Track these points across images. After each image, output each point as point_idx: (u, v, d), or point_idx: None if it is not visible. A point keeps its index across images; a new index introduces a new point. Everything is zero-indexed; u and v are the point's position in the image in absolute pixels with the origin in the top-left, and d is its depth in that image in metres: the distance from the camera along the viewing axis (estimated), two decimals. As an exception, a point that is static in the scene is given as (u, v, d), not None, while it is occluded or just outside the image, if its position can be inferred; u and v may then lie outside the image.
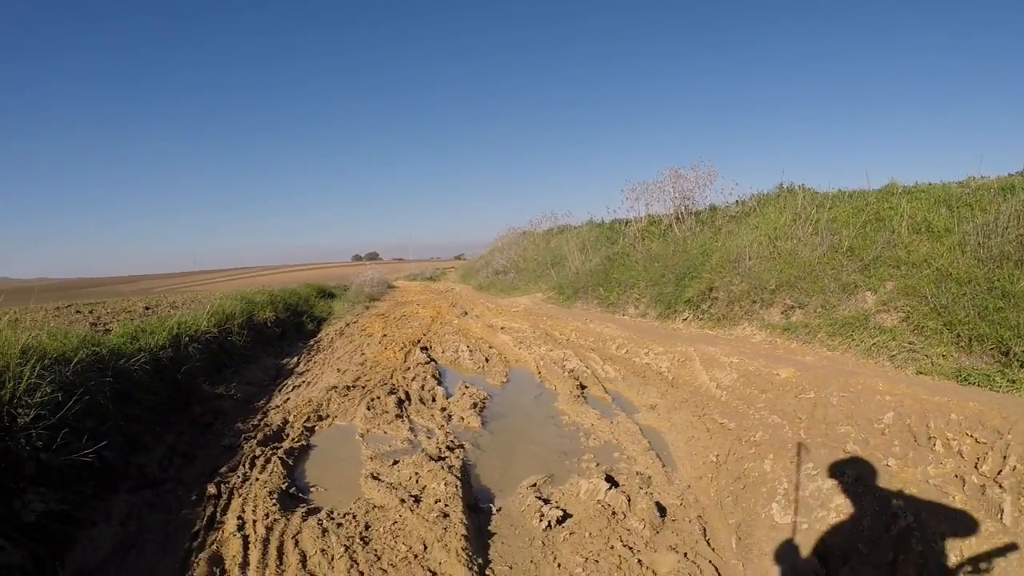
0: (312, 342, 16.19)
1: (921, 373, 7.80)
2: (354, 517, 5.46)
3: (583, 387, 10.11)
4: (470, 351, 13.39)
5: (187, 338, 10.36)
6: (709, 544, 5.15)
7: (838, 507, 5.19)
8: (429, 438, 7.78)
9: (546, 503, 5.68)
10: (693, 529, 5.35)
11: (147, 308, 15.72)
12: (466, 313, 20.12)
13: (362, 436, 8.02)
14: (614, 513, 5.48)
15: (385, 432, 8.15)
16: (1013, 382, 6.70)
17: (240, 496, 5.92)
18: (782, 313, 11.26)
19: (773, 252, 12.54)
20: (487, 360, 12.70)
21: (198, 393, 9.23)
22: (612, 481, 6.19)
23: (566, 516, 5.46)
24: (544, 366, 11.80)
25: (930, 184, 12.19)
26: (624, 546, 4.97)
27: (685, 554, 4.87)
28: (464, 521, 5.21)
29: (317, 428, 8.46)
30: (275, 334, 15.57)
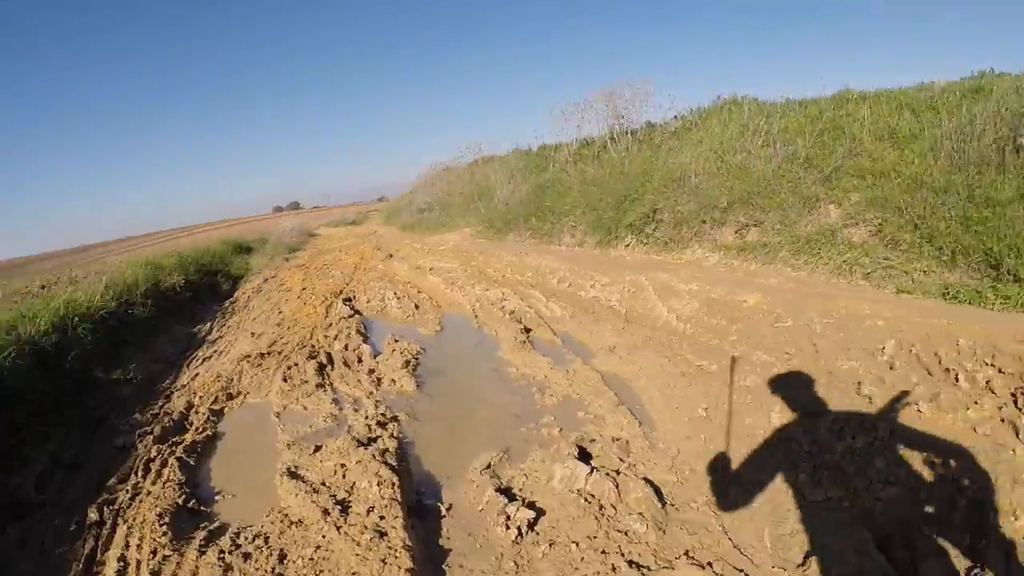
0: (227, 303, 14.53)
1: (903, 292, 7.01)
2: (266, 542, 4.13)
3: (528, 330, 8.82)
4: (398, 298, 11.88)
5: (76, 319, 8.80)
6: (737, 547, 3.87)
7: (888, 477, 4.08)
8: (356, 410, 6.47)
9: (510, 499, 4.42)
10: (708, 522, 4.13)
11: (43, 287, 13.69)
12: (391, 256, 18.29)
13: (278, 415, 6.68)
14: (602, 508, 4.23)
15: (305, 408, 6.80)
16: (1007, 298, 5.97)
17: (126, 522, 4.57)
18: (736, 232, 10.20)
19: (721, 167, 11.42)
20: (417, 307, 11.23)
21: (91, 382, 7.72)
22: (584, 454, 5.03)
23: (538, 516, 4.22)
24: (481, 308, 10.43)
25: (887, 89, 11.18)
26: (630, 564, 3.71)
27: (716, 571, 3.67)
28: (407, 542, 3.90)
29: (227, 410, 7.07)
30: (186, 299, 13.86)
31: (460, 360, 8.27)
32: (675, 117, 15.43)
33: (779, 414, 5.04)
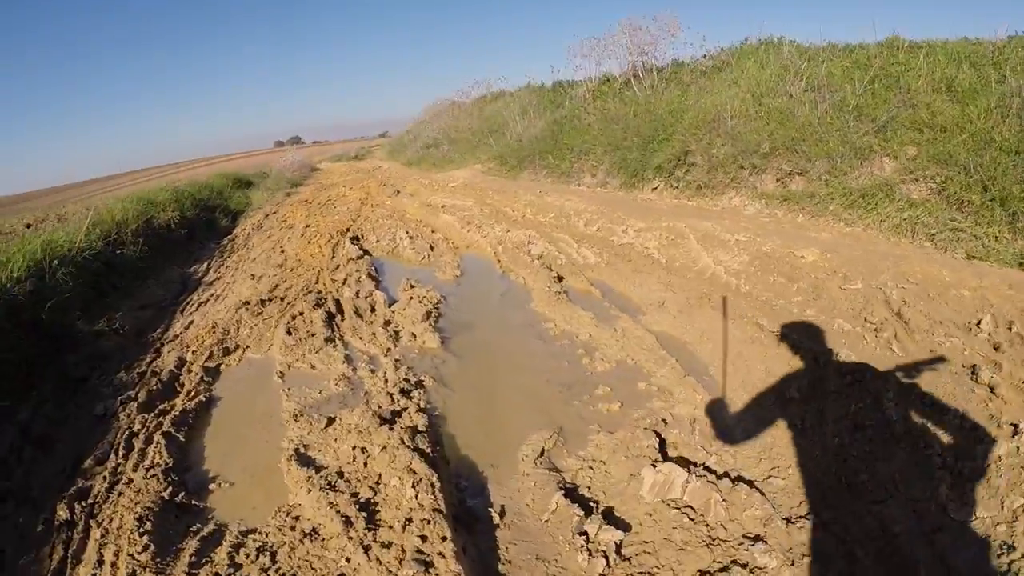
0: (225, 241, 12.94)
1: (973, 257, 6.17)
2: (273, 560, 3.11)
3: (560, 278, 7.77)
4: (410, 238, 10.63)
5: (55, 262, 7.64)
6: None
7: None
8: (373, 372, 5.44)
9: (582, 507, 3.42)
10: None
11: (29, 226, 12.27)
12: (399, 192, 16.76)
13: (282, 376, 5.61)
14: (709, 528, 3.22)
15: (313, 367, 5.73)
16: None
17: (100, 525, 3.54)
18: (778, 181, 9.20)
19: (760, 111, 10.30)
20: (432, 248, 10.07)
21: (71, 335, 6.59)
22: (660, 440, 4.06)
23: (626, 532, 3.23)
24: (504, 252, 9.26)
25: (942, 40, 9.98)
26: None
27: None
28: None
29: (223, 368, 5.96)
30: (181, 237, 12.60)
31: (487, 312, 7.17)
32: (704, 56, 14.12)
33: (894, 403, 4.06)
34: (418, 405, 4.73)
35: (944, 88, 8.39)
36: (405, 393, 4.94)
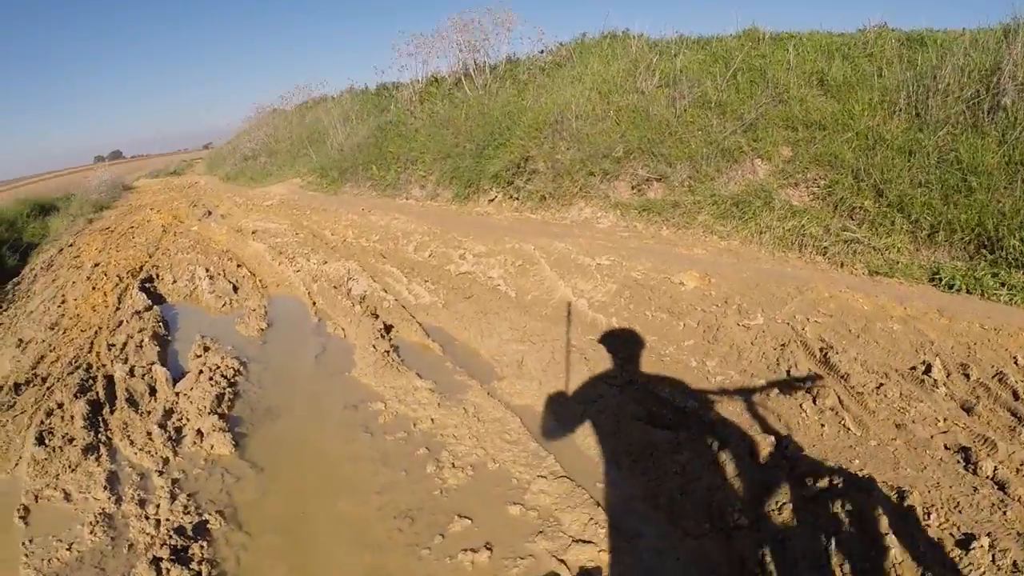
0: (9, 286, 9.74)
1: (876, 273, 5.38)
2: None
3: (388, 328, 5.94)
4: (211, 277, 8.23)
5: None
6: None
7: None
8: (143, 506, 3.57)
9: None
10: None
11: None
12: (209, 213, 14.11)
13: (25, 515, 3.61)
14: None
15: (67, 496, 3.75)
16: (1012, 288, 4.67)
17: None
18: (634, 188, 7.99)
19: (609, 110, 9.01)
20: (236, 289, 7.83)
21: None
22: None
23: None
24: (321, 292, 7.19)
25: (809, 31, 9.15)
26: None
27: None
28: None
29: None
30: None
31: (297, 387, 5.18)
32: (542, 52, 12.67)
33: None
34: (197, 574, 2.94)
35: (816, 82, 7.49)
36: (178, 553, 3.12)
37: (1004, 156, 5.50)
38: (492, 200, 9.76)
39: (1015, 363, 3.82)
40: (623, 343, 4.89)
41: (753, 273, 5.57)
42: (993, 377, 3.70)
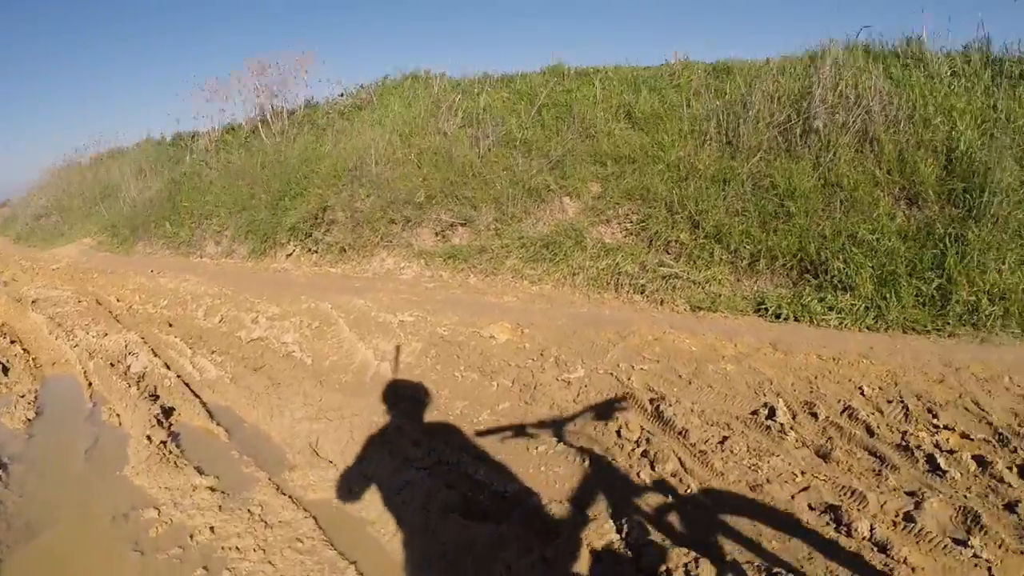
0: None
1: (699, 308, 4.95)
2: None
3: (169, 412, 4.63)
4: None
5: None
6: None
7: None
8: None
9: None
10: None
11: None
12: None
13: None
14: None
15: None
16: (840, 311, 4.44)
17: None
18: (438, 234, 7.20)
19: (410, 153, 8.25)
20: (6, 371, 5.86)
21: None
22: None
23: None
24: (97, 371, 5.66)
25: (613, 66, 8.77)
26: None
27: None
28: None
29: None
30: None
31: (64, 492, 3.65)
32: (342, 95, 11.75)
33: None
34: None
35: (624, 115, 7.12)
36: None
37: (819, 179, 5.29)
38: (290, 255, 8.64)
39: (861, 394, 3.45)
40: (429, 412, 3.97)
41: (569, 319, 4.87)
42: (842, 413, 3.26)
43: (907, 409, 3.24)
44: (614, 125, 6.96)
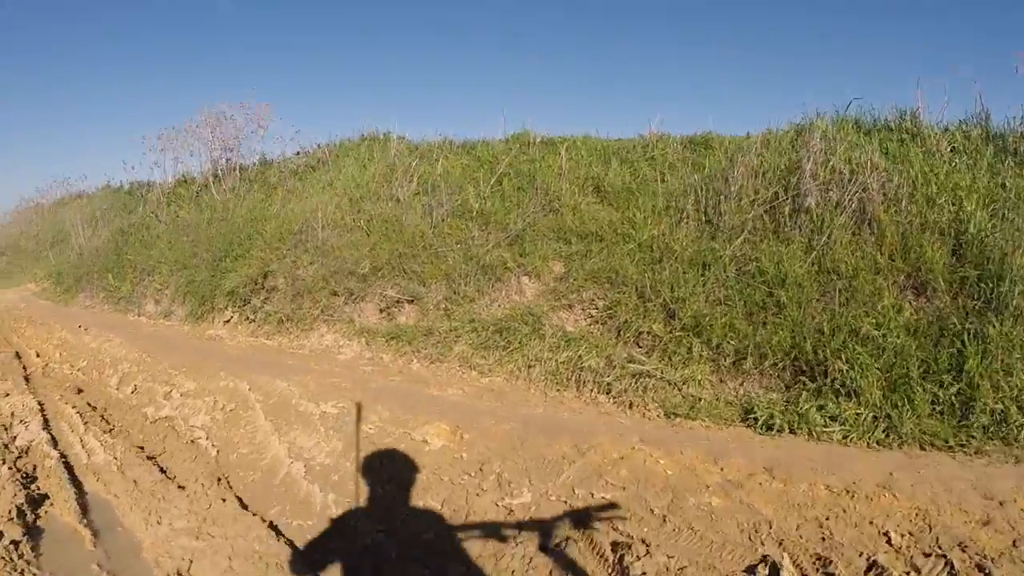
0: None
1: (675, 415, 4.20)
2: None
3: (39, 500, 3.67)
4: None
5: None
6: None
7: None
8: None
9: None
10: None
11: None
12: None
13: None
14: None
15: None
16: (844, 422, 3.69)
17: None
18: (382, 311, 6.48)
19: (359, 219, 7.58)
20: None
21: None
22: None
23: None
24: None
25: (583, 136, 8.09)
26: None
27: None
28: None
29: None
30: None
31: None
32: (298, 153, 11.18)
33: None
34: None
35: (591, 189, 6.44)
36: None
37: (813, 264, 4.59)
38: (227, 322, 7.83)
39: (888, 542, 2.63)
40: (333, 540, 3.08)
41: (519, 423, 4.04)
42: (867, 573, 2.47)
43: (951, 567, 2.42)
44: (581, 199, 6.28)
